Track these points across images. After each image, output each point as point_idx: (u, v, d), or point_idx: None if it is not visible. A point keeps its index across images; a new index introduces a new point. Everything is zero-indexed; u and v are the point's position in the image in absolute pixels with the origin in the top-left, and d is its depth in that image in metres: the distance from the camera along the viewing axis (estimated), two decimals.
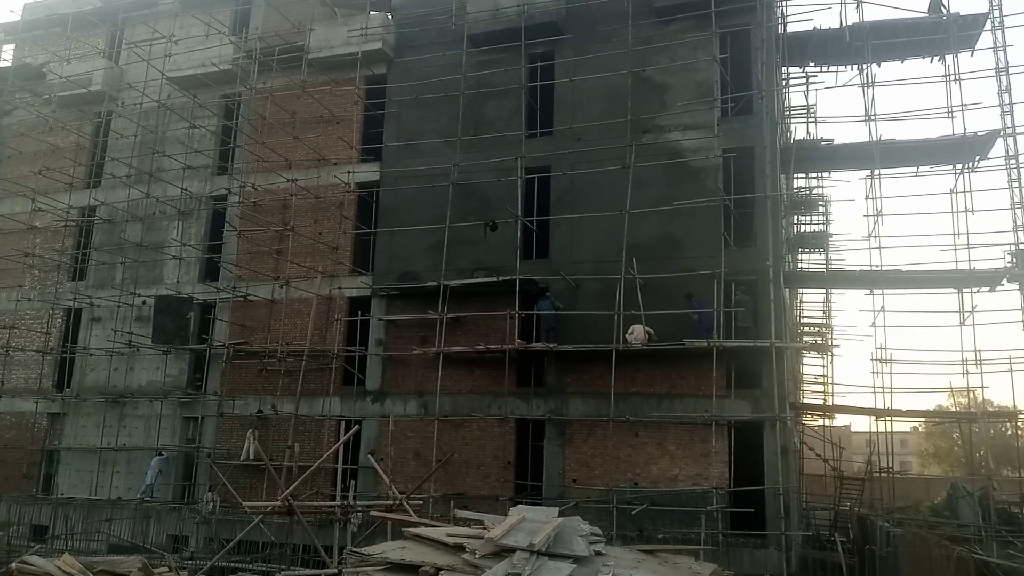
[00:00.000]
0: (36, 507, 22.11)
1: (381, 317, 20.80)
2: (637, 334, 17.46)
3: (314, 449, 19.95)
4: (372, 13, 22.91)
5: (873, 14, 19.58)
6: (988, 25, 19.62)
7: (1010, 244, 18.25)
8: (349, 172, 21.81)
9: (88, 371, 23.92)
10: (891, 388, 17.68)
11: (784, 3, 20.51)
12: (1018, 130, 19.09)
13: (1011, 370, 17.38)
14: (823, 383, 24.91)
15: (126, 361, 23.11)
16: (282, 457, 19.58)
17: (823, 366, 25.38)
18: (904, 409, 18.52)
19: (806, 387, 26.08)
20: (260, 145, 22.46)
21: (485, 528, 11.71)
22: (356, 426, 18.49)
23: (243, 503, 16.32)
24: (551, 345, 18.23)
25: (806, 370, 26.64)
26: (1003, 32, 19.53)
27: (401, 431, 19.59)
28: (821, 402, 23.62)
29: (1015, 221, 18.43)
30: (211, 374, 22.38)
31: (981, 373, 17.48)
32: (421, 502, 16.69)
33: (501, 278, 19.01)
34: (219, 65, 23.77)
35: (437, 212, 20.11)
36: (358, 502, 16.89)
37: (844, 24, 19.89)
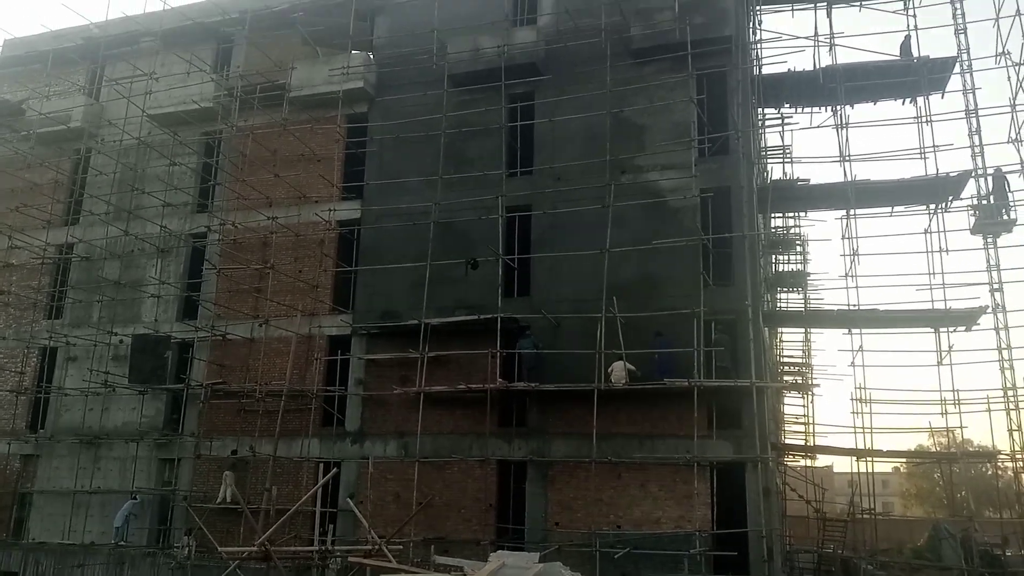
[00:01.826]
0: (6, 552, 21.57)
1: (361, 356, 20.67)
2: (617, 372, 17.45)
3: (292, 492, 19.66)
4: (354, 52, 23.06)
5: (846, 57, 19.98)
6: (957, 68, 20.04)
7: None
8: (330, 210, 21.79)
9: (63, 411, 23.52)
10: (871, 428, 17.76)
11: (759, 46, 20.90)
12: (989, 170, 19.43)
13: (989, 410, 17.51)
14: (804, 423, 25.00)
15: (102, 401, 22.74)
16: (260, 500, 19.27)
17: (804, 406, 25.50)
18: (885, 450, 18.54)
19: (787, 427, 26.12)
20: (241, 183, 22.44)
21: (465, 575, 11.56)
22: (335, 469, 18.24)
23: (219, 548, 16.00)
24: (533, 384, 18.16)
25: (787, 410, 26.70)
26: (972, 75, 19.97)
27: (381, 473, 19.34)
28: (803, 442, 23.66)
29: (988, 261, 18.68)
30: (188, 415, 22.09)
31: (960, 413, 17.59)
32: (401, 547, 16.49)
33: (482, 316, 18.97)
34: (200, 103, 23.78)
35: (418, 250, 20.11)
36: (337, 547, 16.66)
37: (817, 67, 20.27)
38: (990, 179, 19.32)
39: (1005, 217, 18.98)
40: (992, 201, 19.12)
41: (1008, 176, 19.02)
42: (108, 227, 23.74)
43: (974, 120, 19.67)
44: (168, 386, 21.84)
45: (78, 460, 22.49)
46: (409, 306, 20.13)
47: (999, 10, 19.31)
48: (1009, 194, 18.99)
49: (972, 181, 19.31)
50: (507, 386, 18.35)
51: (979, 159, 19.42)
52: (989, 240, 19.13)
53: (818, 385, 23.05)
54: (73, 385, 23.22)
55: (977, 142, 19.53)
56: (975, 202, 19.33)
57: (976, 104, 19.68)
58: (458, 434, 19.23)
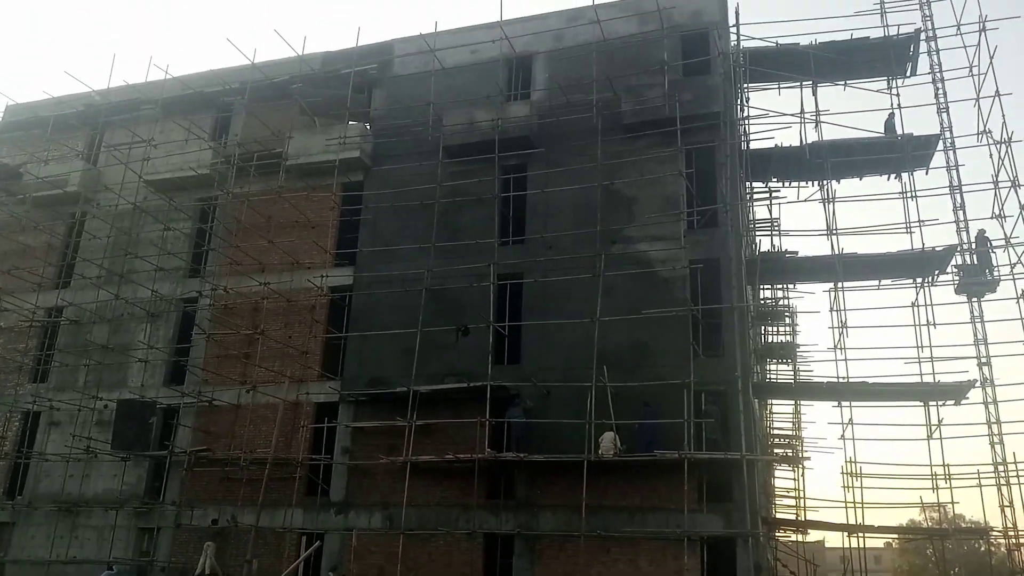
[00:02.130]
0: None
1: (348, 424, 20.44)
2: (606, 443, 17.29)
3: (274, 564, 19.16)
4: (351, 123, 23.53)
5: (831, 133, 20.45)
6: (940, 146, 20.50)
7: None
8: (323, 276, 21.85)
9: (42, 478, 23.02)
10: (863, 503, 17.54)
11: (746, 122, 21.40)
12: (973, 242, 19.65)
13: (980, 485, 17.37)
14: (795, 497, 24.64)
15: (83, 468, 22.31)
16: (240, 572, 18.75)
17: (794, 479, 25.15)
18: (876, 525, 18.29)
19: (778, 501, 25.75)
20: (234, 248, 22.54)
21: None
22: (318, 541, 17.81)
23: None
24: (521, 455, 17.91)
25: (777, 483, 26.36)
26: (955, 152, 20.39)
27: (364, 546, 18.88)
28: (793, 516, 23.30)
29: (976, 335, 18.78)
30: (170, 482, 21.65)
31: (951, 488, 17.43)
32: None
33: (472, 384, 18.86)
34: (197, 169, 24.06)
35: (409, 317, 20.10)
36: None
37: (804, 142, 20.71)
38: (973, 240, 19.66)
39: (988, 277, 19.25)
40: (975, 261, 19.44)
41: (992, 241, 19.34)
42: (99, 291, 23.68)
43: (958, 196, 20.04)
44: (151, 453, 21.47)
45: (55, 528, 21.90)
46: (398, 373, 20.01)
47: (979, 90, 19.92)
48: (992, 255, 19.35)
49: (957, 255, 19.56)
50: (496, 456, 18.12)
51: (964, 234, 19.72)
52: (976, 314, 19.28)
53: (808, 458, 22.87)
54: (54, 450, 22.78)
55: (961, 217, 19.86)
56: (959, 262, 19.65)
57: (960, 180, 20.11)
58: (444, 506, 18.88)
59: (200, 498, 20.94)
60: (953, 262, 19.65)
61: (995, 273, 19.21)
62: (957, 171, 20.23)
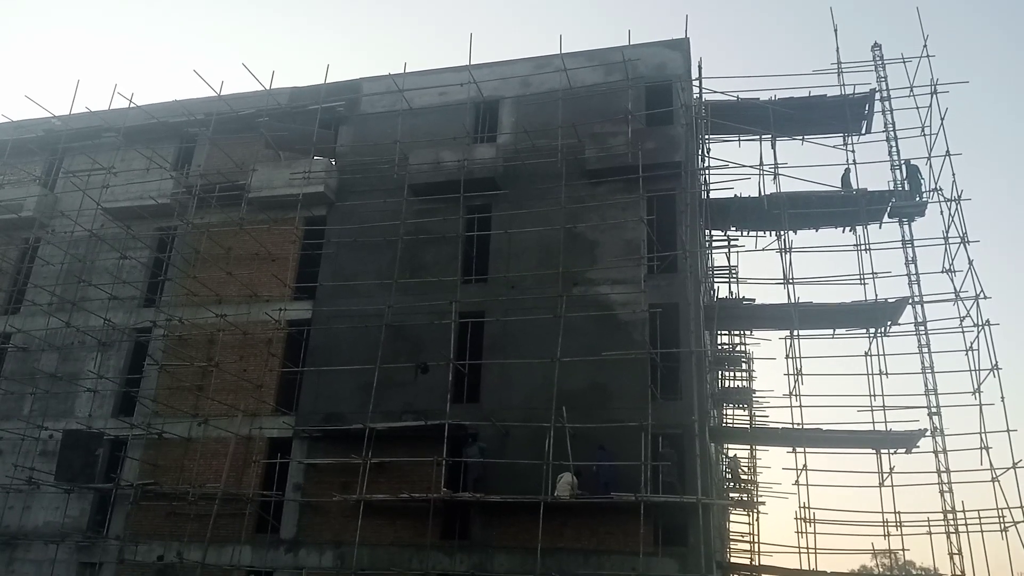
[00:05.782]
0: None
1: (301, 460, 20.08)
2: (562, 485, 17.21)
3: None
4: (316, 158, 23.52)
5: (789, 185, 20.98)
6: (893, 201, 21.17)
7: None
8: (281, 309, 21.62)
9: None
10: (815, 548, 17.66)
11: (707, 172, 21.88)
12: (926, 298, 20.20)
13: (930, 532, 17.63)
14: (750, 541, 24.72)
15: (23, 499, 21.53)
16: None
17: (749, 523, 25.27)
18: (829, 571, 18.32)
19: (733, 545, 25.80)
20: (191, 279, 22.24)
21: None
22: None
23: None
24: (478, 495, 17.76)
25: (732, 527, 26.43)
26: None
27: None
28: (748, 561, 23.35)
29: (926, 385, 19.23)
30: (115, 516, 20.95)
31: (902, 535, 17.66)
32: None
33: (430, 422, 18.71)
34: (157, 198, 23.79)
35: (368, 353, 19.95)
36: None
37: (762, 194, 21.24)
38: (904, 167, 21.05)
39: (918, 200, 20.57)
40: (907, 187, 20.80)
41: (920, 168, 20.80)
42: (49, 318, 23.09)
43: (910, 250, 20.69)
44: (96, 485, 20.82)
45: None
46: (355, 409, 19.79)
47: (931, 149, 20.64)
48: (921, 180, 20.74)
49: (909, 307, 20.08)
50: (451, 496, 17.92)
51: (915, 287, 20.29)
52: (927, 365, 19.71)
53: (763, 503, 22.98)
54: None
55: (913, 271, 20.45)
56: (892, 187, 20.98)
57: (912, 235, 20.82)
58: (398, 545, 18.56)
59: (145, 533, 20.30)
60: (885, 188, 21.00)
61: (924, 197, 20.58)
62: (910, 225, 20.98)
